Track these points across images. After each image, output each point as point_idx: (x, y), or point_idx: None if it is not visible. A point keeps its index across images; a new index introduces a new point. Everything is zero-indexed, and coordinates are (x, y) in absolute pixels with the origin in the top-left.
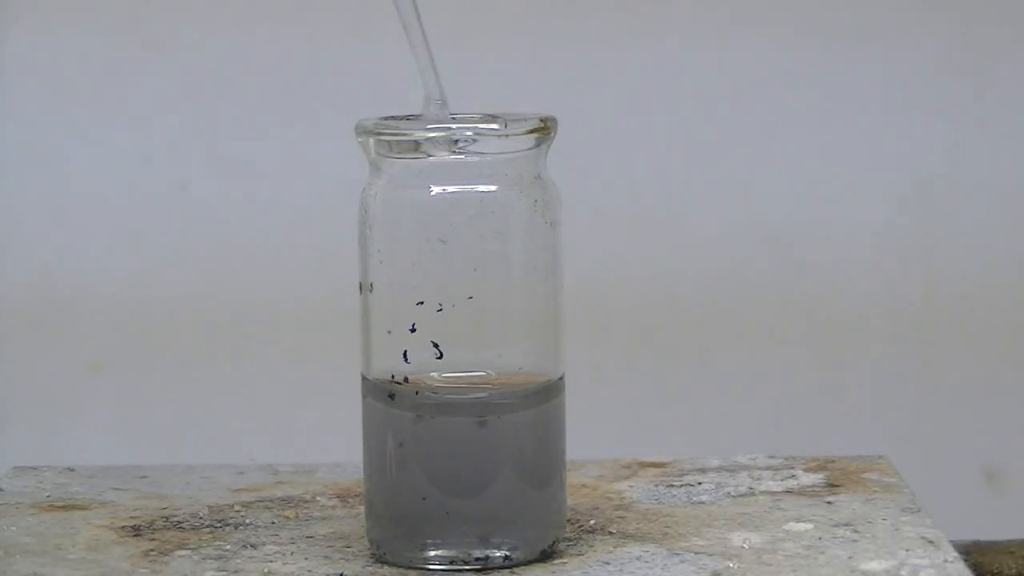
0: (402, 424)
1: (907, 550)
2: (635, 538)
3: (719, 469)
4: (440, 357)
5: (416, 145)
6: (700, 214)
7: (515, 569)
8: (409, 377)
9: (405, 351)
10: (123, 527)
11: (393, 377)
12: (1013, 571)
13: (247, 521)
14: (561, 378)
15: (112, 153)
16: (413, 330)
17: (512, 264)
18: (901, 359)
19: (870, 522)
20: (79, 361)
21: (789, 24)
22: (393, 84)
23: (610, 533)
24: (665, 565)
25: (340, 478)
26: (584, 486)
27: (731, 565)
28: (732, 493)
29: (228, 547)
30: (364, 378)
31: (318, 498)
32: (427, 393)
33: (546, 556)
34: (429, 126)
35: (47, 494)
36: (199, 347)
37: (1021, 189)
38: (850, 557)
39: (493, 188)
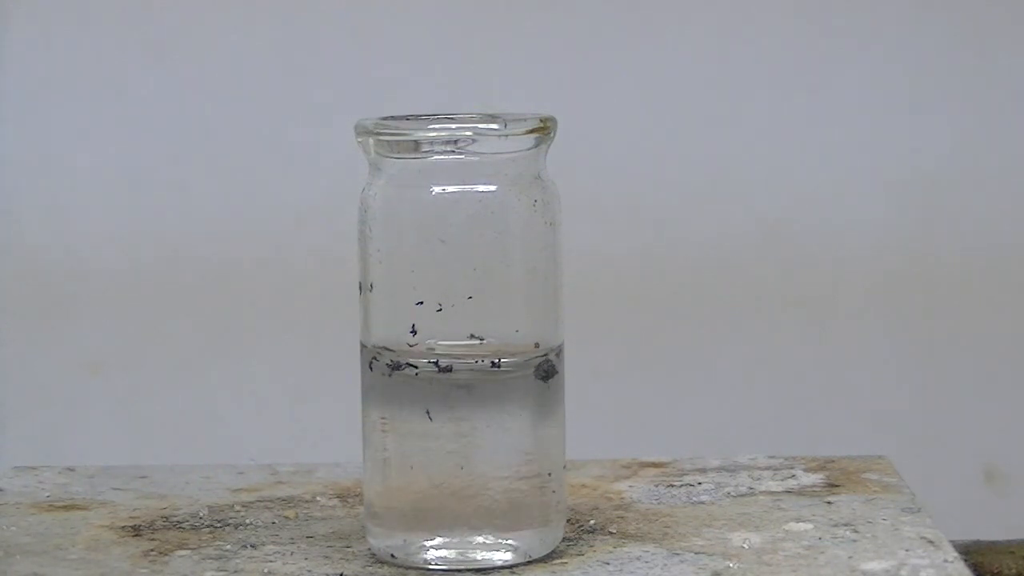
0: (401, 404)
1: (907, 550)
2: (635, 538)
3: (719, 469)
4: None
5: (416, 145)
6: (700, 214)
7: (515, 569)
8: (408, 364)
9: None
10: (123, 527)
11: (392, 355)
12: (1013, 571)
13: (247, 521)
14: (558, 365)
15: (112, 153)
16: (413, 331)
17: (512, 264)
18: (901, 359)
19: (870, 522)
20: (79, 361)
21: (789, 23)
22: (393, 84)
23: (610, 533)
24: (665, 565)
25: (340, 478)
26: (584, 486)
27: (731, 565)
28: (732, 493)
29: (228, 547)
30: (363, 374)
31: (318, 498)
32: (426, 363)
33: (546, 556)
34: (429, 126)
35: (47, 494)
36: (199, 347)
37: (1022, 188)
38: (850, 557)
39: (493, 188)
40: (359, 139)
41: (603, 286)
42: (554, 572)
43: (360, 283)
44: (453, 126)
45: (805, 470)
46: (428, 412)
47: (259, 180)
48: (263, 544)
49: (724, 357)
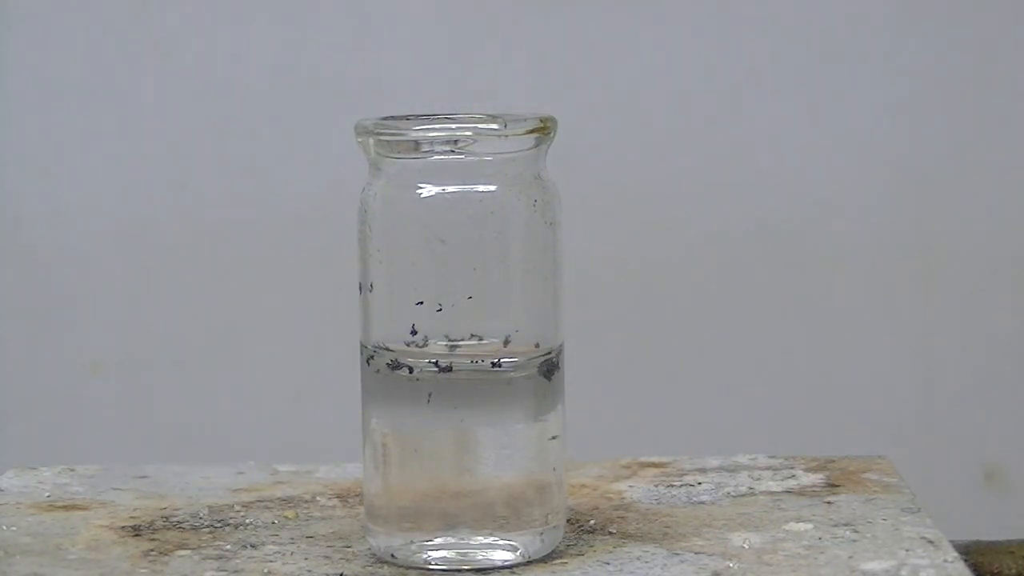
0: (401, 404)
1: (907, 550)
2: (635, 538)
3: (719, 469)
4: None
5: (416, 145)
6: (700, 214)
7: (515, 569)
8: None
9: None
10: (123, 527)
11: (391, 355)
12: (1013, 571)
13: (247, 521)
14: (559, 365)
15: (112, 153)
16: (413, 331)
17: (512, 264)
18: (901, 359)
19: (870, 522)
20: (79, 361)
21: (789, 23)
22: (393, 84)
23: (610, 533)
24: (665, 565)
25: (340, 478)
26: (584, 486)
27: (731, 565)
28: (732, 493)
29: (228, 547)
30: (363, 374)
31: (318, 498)
32: (426, 363)
33: (546, 556)
34: (429, 126)
35: (47, 494)
36: (199, 347)
37: (1021, 188)
38: (850, 557)
39: (493, 188)
40: (359, 139)
41: (603, 286)
42: (554, 572)
43: (360, 283)
44: (453, 126)
45: (805, 470)
46: (428, 411)
47: (259, 180)
48: (263, 544)
49: (724, 357)
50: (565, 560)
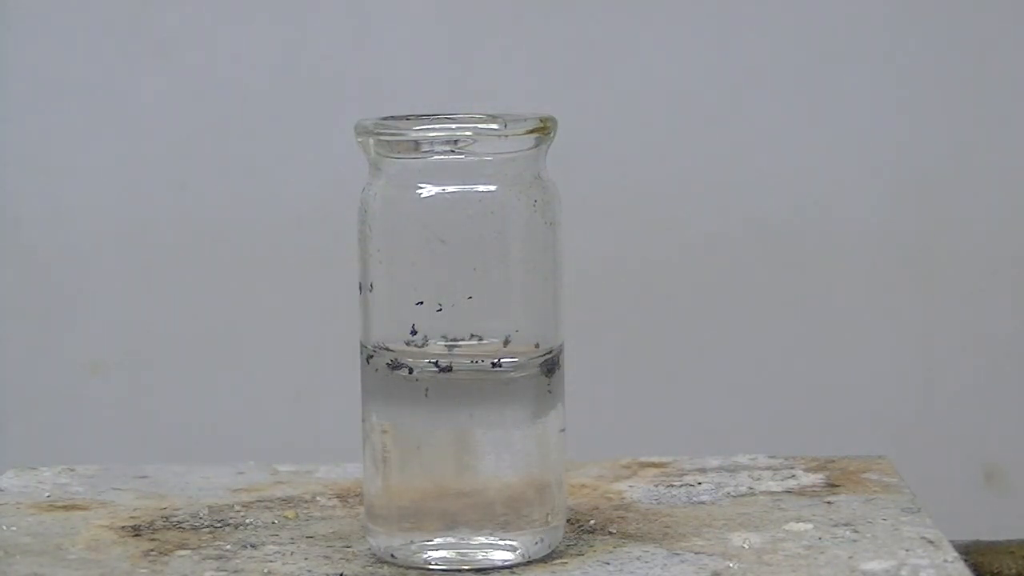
0: (401, 404)
1: (907, 550)
2: (635, 538)
3: (719, 469)
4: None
5: (416, 145)
6: (699, 214)
7: (515, 569)
8: (409, 362)
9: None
10: (123, 527)
11: (391, 355)
12: (1013, 571)
13: (247, 521)
14: (560, 368)
15: (112, 153)
16: (414, 332)
17: (512, 264)
18: (901, 359)
19: (870, 522)
20: (79, 361)
21: (789, 24)
22: (393, 84)
23: (610, 533)
24: (665, 565)
25: (340, 478)
26: (584, 486)
27: (731, 565)
28: (732, 493)
29: (228, 547)
30: (363, 374)
31: (318, 498)
32: (426, 363)
33: (546, 556)
34: (429, 126)
35: (47, 494)
36: (199, 347)
37: (1021, 188)
38: (850, 557)
39: (493, 188)
40: (359, 139)
41: (603, 286)
42: (554, 572)
43: (360, 283)
44: (453, 126)
45: (805, 470)
46: (428, 411)
47: (259, 180)
48: (263, 544)
49: (724, 357)
50: (565, 560)
